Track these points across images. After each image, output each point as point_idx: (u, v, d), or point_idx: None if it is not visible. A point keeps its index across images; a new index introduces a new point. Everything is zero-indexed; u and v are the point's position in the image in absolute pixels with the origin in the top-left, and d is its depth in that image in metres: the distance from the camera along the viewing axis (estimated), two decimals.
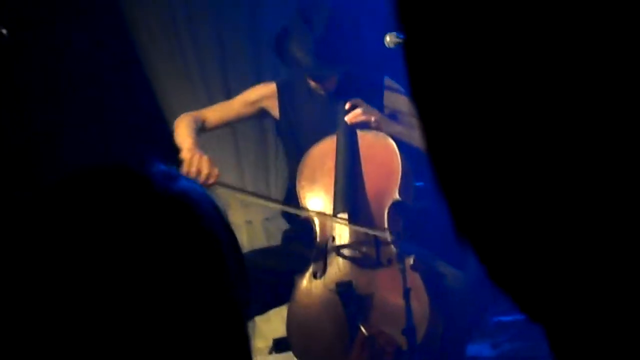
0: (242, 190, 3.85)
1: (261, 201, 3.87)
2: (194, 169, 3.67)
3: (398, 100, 3.99)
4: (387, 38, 3.81)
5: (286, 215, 4.08)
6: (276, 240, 4.64)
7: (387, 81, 4.03)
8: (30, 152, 4.71)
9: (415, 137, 3.81)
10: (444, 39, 0.54)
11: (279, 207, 3.91)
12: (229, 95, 4.95)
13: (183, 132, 3.87)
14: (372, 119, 3.85)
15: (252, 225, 4.95)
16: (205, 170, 3.68)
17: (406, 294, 3.54)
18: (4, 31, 4.06)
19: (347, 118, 3.85)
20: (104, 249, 1.08)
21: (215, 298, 1.12)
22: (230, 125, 4.31)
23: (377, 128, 3.86)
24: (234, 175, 5.00)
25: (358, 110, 3.85)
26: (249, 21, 4.99)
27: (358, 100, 3.88)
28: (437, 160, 0.57)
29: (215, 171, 3.71)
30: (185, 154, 3.74)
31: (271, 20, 4.96)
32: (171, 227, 1.11)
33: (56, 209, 1.11)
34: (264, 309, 3.94)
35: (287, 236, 4.11)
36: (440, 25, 0.54)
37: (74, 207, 1.10)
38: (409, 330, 3.52)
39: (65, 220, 1.10)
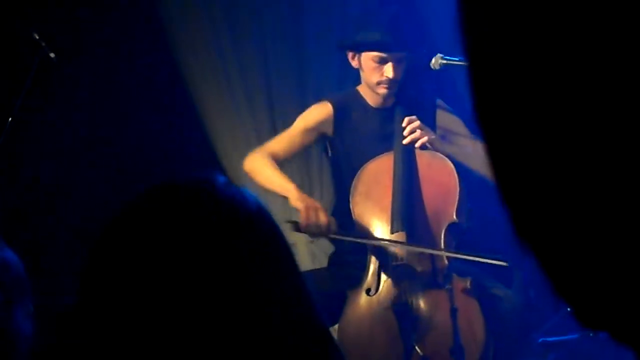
0: (357, 236, 3.81)
1: (375, 243, 3.81)
2: (312, 222, 3.66)
3: (450, 121, 3.98)
4: (433, 60, 3.81)
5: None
6: (320, 263, 4.64)
7: (439, 102, 4.02)
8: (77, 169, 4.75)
9: (468, 158, 3.81)
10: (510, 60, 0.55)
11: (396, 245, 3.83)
12: (272, 114, 4.97)
13: (277, 176, 3.85)
14: (427, 138, 3.82)
15: (296, 248, 4.94)
16: (323, 219, 3.68)
17: (453, 313, 3.54)
18: (52, 55, 4.11)
19: (405, 138, 3.83)
20: (193, 252, 1.14)
21: (292, 288, 1.24)
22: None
23: (432, 147, 3.84)
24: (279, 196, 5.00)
25: (415, 127, 3.82)
26: (293, 41, 5.00)
27: (414, 118, 3.85)
28: (501, 168, 0.58)
29: (331, 218, 3.71)
30: (298, 203, 3.73)
31: (314, 38, 4.98)
32: (265, 237, 1.20)
33: (149, 217, 1.18)
34: None
35: (334, 259, 4.09)
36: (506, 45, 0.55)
37: (161, 217, 1.17)
38: (457, 349, 3.52)
39: (155, 228, 1.17)
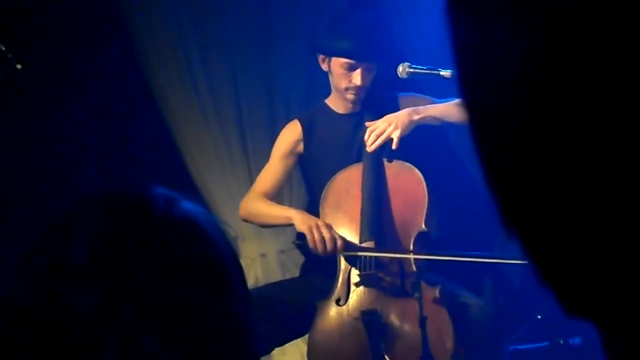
0: (363, 250, 3.80)
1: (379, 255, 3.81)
2: (318, 238, 3.69)
3: (414, 100, 4.00)
4: (400, 68, 3.82)
5: (301, 248, 4.08)
6: (291, 273, 4.65)
7: (401, 95, 4.04)
8: (41, 182, 4.72)
9: (455, 113, 3.81)
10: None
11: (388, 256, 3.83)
12: (242, 130, 4.97)
13: (274, 209, 3.92)
14: (395, 136, 3.82)
15: (266, 258, 4.94)
16: (328, 235, 3.70)
17: (422, 322, 3.55)
18: (19, 66, 4.09)
19: (368, 147, 3.85)
20: (109, 272, 1.11)
21: (222, 318, 1.15)
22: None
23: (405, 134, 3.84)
24: None
25: (378, 134, 3.83)
26: (262, 57, 5.01)
27: (375, 125, 3.86)
28: (489, 157, 0.58)
29: (336, 234, 3.72)
30: (302, 226, 3.75)
31: (283, 56, 4.99)
32: (174, 249, 1.14)
33: (67, 237, 1.14)
34: (280, 341, 3.93)
35: (305, 268, 4.10)
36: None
37: (80, 233, 1.14)
38: (426, 359, 3.52)
39: (72, 244, 1.13)
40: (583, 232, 0.54)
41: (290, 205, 4.98)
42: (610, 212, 0.53)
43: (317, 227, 3.70)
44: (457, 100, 3.69)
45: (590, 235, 0.54)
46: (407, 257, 3.72)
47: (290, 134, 4.05)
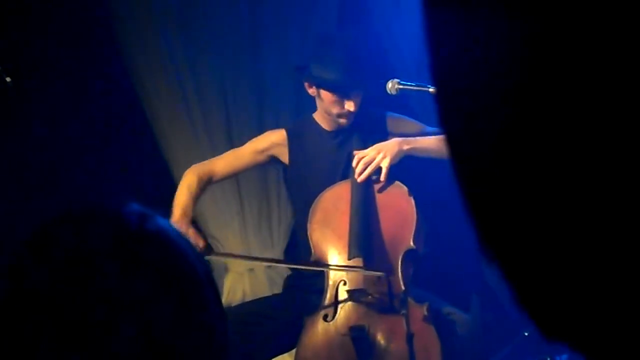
0: (240, 257, 3.84)
1: (262, 263, 3.83)
2: None
3: (401, 125, 4.01)
4: (389, 85, 3.82)
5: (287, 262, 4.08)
6: (279, 288, 4.64)
7: (389, 115, 4.04)
8: (32, 193, 4.71)
9: (430, 150, 3.83)
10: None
11: (283, 265, 3.88)
12: (230, 136, 4.97)
13: (179, 198, 3.89)
14: (383, 167, 3.82)
15: (254, 273, 4.93)
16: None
17: (409, 339, 3.55)
18: (8, 79, 4.08)
19: (357, 177, 3.84)
20: (80, 287, 1.12)
21: (194, 330, 1.16)
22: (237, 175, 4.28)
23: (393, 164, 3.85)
24: (236, 221, 5.00)
25: (367, 163, 3.83)
26: (251, 67, 5.01)
27: (363, 155, 3.86)
28: (464, 179, 0.58)
29: (201, 243, 3.73)
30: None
31: (272, 66, 5.00)
32: (148, 263, 1.15)
33: (39, 252, 1.16)
34: (266, 357, 3.92)
35: (289, 284, 4.10)
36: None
37: (53, 249, 1.16)
38: None
39: (46, 259, 1.15)
40: (559, 256, 0.54)
41: (279, 218, 4.99)
42: (586, 239, 0.53)
43: (185, 231, 3.69)
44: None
45: (566, 259, 0.54)
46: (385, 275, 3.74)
47: (273, 137, 4.05)
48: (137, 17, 4.91)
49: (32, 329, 1.11)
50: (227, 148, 4.94)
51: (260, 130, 4.87)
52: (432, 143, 3.84)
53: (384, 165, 3.82)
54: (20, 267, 1.15)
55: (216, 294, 1.23)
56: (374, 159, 3.83)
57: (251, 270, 4.90)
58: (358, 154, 3.87)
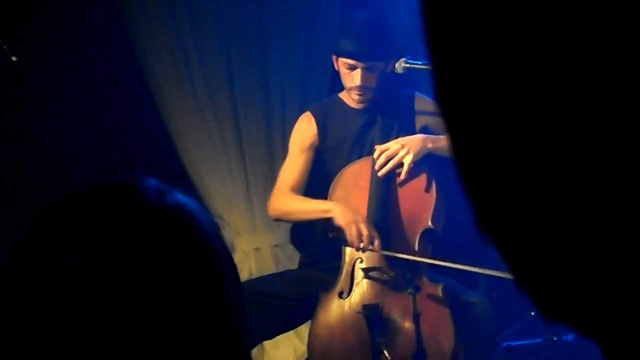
0: (397, 252, 3.81)
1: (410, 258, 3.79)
2: (355, 235, 3.67)
3: (430, 106, 3.97)
4: (396, 64, 3.83)
5: (297, 243, 4.08)
6: (284, 267, 4.65)
7: (417, 95, 4.02)
8: (37, 176, 4.72)
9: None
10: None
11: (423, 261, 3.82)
12: (238, 126, 4.97)
13: (311, 204, 3.86)
14: (405, 163, 3.80)
15: (260, 252, 4.93)
16: (366, 232, 3.67)
17: (416, 318, 3.56)
18: (14, 58, 4.08)
19: (378, 171, 3.81)
20: (102, 261, 1.12)
21: (213, 303, 1.17)
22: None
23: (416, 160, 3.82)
24: (243, 200, 5.00)
25: (389, 157, 3.81)
26: (258, 56, 5.01)
27: (385, 148, 3.84)
28: (463, 161, 0.58)
29: (374, 231, 3.69)
30: (341, 221, 3.71)
31: (279, 53, 5.00)
32: (167, 237, 1.16)
33: (59, 226, 1.16)
34: (275, 333, 3.94)
35: (303, 262, 4.10)
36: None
37: (75, 223, 1.16)
38: (420, 354, 3.53)
39: (68, 233, 1.15)
40: (558, 237, 0.54)
41: None
42: (585, 220, 0.53)
43: (357, 222, 3.68)
44: None
45: (566, 240, 0.54)
46: (408, 257, 3.72)
47: (306, 128, 4.02)
48: (146, 6, 4.91)
49: (49, 306, 1.11)
50: (235, 135, 4.96)
51: (266, 117, 4.90)
52: None
53: (407, 161, 3.79)
54: (35, 244, 1.15)
55: (234, 268, 1.24)
56: (396, 154, 3.80)
57: (257, 249, 4.90)
58: (380, 147, 3.84)
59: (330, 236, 3.78)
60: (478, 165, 0.57)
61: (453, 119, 0.58)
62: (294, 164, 3.99)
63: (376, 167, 3.82)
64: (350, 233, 3.67)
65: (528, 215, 0.55)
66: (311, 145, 4.00)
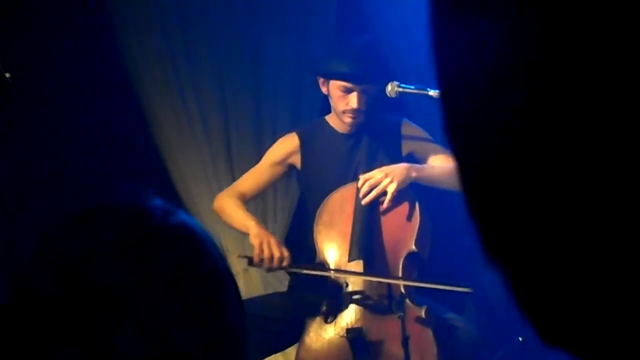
0: (313, 268, 3.84)
1: (330, 274, 3.84)
2: (266, 256, 3.71)
3: (416, 134, 4.01)
4: (389, 87, 3.84)
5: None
6: (273, 289, 4.64)
7: (405, 122, 4.03)
8: (31, 194, 4.71)
9: (441, 178, 3.81)
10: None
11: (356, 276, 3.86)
12: (228, 142, 4.98)
13: (238, 214, 3.92)
14: (389, 191, 3.80)
15: (249, 274, 4.93)
16: (277, 254, 3.71)
17: (405, 341, 3.57)
18: (7, 75, 4.07)
19: (362, 199, 3.83)
20: (108, 280, 1.12)
21: (217, 324, 1.17)
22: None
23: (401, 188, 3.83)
24: None
25: (372, 186, 3.82)
26: (250, 70, 5.03)
27: (369, 177, 3.85)
28: (470, 184, 0.59)
29: (285, 253, 3.74)
30: (254, 240, 3.77)
31: (271, 69, 5.01)
32: (173, 256, 1.16)
33: (66, 246, 1.16)
34: (261, 355, 3.94)
35: (292, 285, 4.12)
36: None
37: (82, 242, 1.16)
38: None
39: (75, 251, 1.15)
40: (561, 261, 0.54)
41: (275, 221, 5.00)
42: (590, 244, 0.53)
43: (268, 244, 3.73)
44: (454, 168, 3.72)
45: (569, 265, 0.54)
46: (387, 281, 3.74)
47: (287, 145, 4.06)
48: (137, 18, 4.92)
49: (41, 326, 1.11)
50: (225, 151, 4.97)
51: (257, 133, 4.90)
52: (440, 173, 3.83)
53: (390, 190, 3.80)
54: (43, 260, 1.15)
55: (237, 290, 1.24)
56: (380, 182, 3.81)
57: (246, 270, 4.89)
58: (364, 176, 3.85)
59: (239, 257, 3.94)
60: (483, 189, 0.57)
61: (457, 140, 0.59)
62: (258, 173, 4.07)
63: (360, 196, 3.83)
64: (258, 253, 3.72)
65: (533, 239, 0.55)
66: (283, 162, 4.04)
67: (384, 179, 3.81)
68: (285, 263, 3.73)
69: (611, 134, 0.51)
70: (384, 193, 3.81)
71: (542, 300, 0.56)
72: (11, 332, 1.13)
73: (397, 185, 3.79)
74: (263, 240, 3.74)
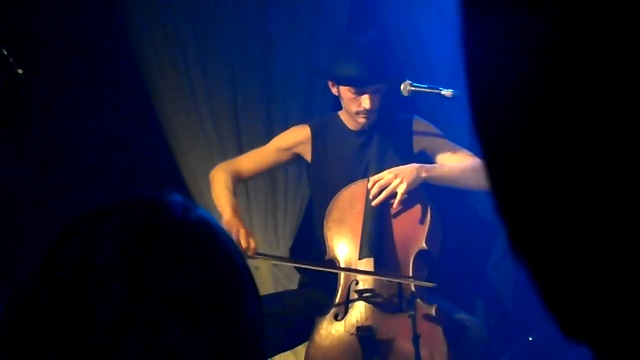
0: (280, 258, 3.84)
1: (297, 265, 3.86)
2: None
3: (427, 131, 4.00)
4: (402, 86, 3.84)
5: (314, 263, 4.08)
6: (283, 286, 4.65)
7: (416, 119, 4.02)
8: (43, 191, 4.73)
9: (452, 175, 3.82)
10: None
11: (315, 268, 3.90)
12: (239, 138, 4.99)
13: (221, 196, 3.89)
14: (399, 192, 3.79)
15: (259, 272, 4.93)
16: (243, 245, 3.71)
17: (415, 340, 3.57)
18: (20, 71, 4.09)
19: (372, 201, 3.81)
20: (130, 273, 1.13)
21: (236, 317, 1.18)
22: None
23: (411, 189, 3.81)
24: (243, 218, 5.00)
25: (382, 187, 3.80)
26: (261, 66, 5.03)
27: (379, 178, 3.83)
28: (499, 181, 0.59)
29: (252, 244, 3.74)
30: (225, 226, 3.72)
31: (282, 67, 5.01)
32: (194, 251, 1.17)
33: (87, 239, 1.16)
34: (271, 353, 3.94)
35: (302, 282, 4.12)
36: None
37: (104, 235, 1.16)
38: None
39: (99, 244, 1.16)
40: (587, 257, 0.54)
41: (285, 217, 5.00)
42: (615, 242, 0.53)
43: (237, 233, 3.72)
44: (466, 166, 3.75)
45: (594, 261, 0.54)
46: (395, 280, 3.75)
47: (297, 134, 4.05)
48: (147, 14, 4.94)
49: (77, 317, 1.12)
50: (235, 147, 4.97)
51: (268, 128, 4.90)
52: (450, 173, 3.83)
53: (400, 191, 3.78)
54: (64, 256, 1.16)
55: (254, 285, 1.25)
56: (390, 184, 3.79)
57: (256, 268, 4.90)
58: (374, 177, 3.84)
59: None
60: (511, 184, 0.58)
61: (486, 137, 0.59)
62: (262, 154, 4.06)
63: (370, 197, 3.82)
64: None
65: (560, 235, 0.55)
66: (290, 149, 4.04)
67: (394, 179, 3.80)
68: (249, 254, 3.73)
69: (635, 125, 0.51)
70: (394, 194, 3.81)
71: (566, 295, 0.57)
72: (15, 340, 1.14)
73: (407, 186, 3.78)
74: (232, 229, 3.72)
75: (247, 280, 1.22)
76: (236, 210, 3.85)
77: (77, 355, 1.10)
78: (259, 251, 3.86)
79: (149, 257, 1.14)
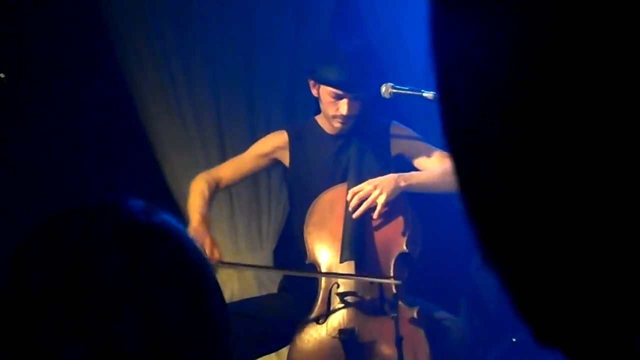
0: (243, 265, 3.86)
1: (262, 271, 3.87)
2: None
3: (405, 135, 4.01)
4: (383, 88, 3.84)
5: (280, 267, 4.08)
6: (267, 289, 4.65)
7: (394, 124, 4.03)
8: (25, 190, 4.72)
9: (429, 181, 3.83)
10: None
11: (279, 272, 3.91)
12: (222, 143, 4.99)
13: (194, 203, 3.90)
14: (379, 203, 3.79)
15: (243, 274, 4.94)
16: (207, 253, 3.69)
17: (398, 342, 3.57)
18: (2, 75, 4.08)
19: (352, 213, 3.81)
20: (94, 275, 1.15)
21: (200, 316, 1.20)
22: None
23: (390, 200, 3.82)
24: (226, 222, 5.01)
25: (362, 198, 3.80)
26: (244, 71, 5.03)
27: (358, 190, 3.83)
28: (465, 181, 0.59)
29: (216, 254, 3.73)
30: (190, 231, 3.74)
31: (264, 70, 5.01)
32: (156, 253, 1.19)
33: (51, 241, 1.19)
34: (254, 356, 3.94)
35: (284, 286, 4.12)
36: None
37: (68, 239, 1.19)
38: None
39: (61, 248, 1.18)
40: (559, 263, 0.54)
41: (269, 220, 5.00)
42: (588, 246, 0.53)
43: (201, 241, 3.70)
44: (445, 170, 3.76)
45: (567, 267, 0.54)
46: (378, 278, 3.75)
47: (275, 140, 4.07)
48: (130, 18, 4.93)
49: (36, 320, 1.13)
50: (219, 152, 4.97)
51: (252, 134, 4.90)
52: (429, 179, 3.84)
53: (380, 202, 3.78)
54: (30, 257, 1.18)
55: (217, 285, 1.27)
56: (369, 195, 3.79)
57: (240, 272, 4.90)
58: (353, 189, 3.84)
59: None
60: (481, 191, 0.58)
61: (456, 140, 0.60)
62: (241, 162, 4.08)
63: (350, 209, 3.82)
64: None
65: (531, 241, 0.55)
66: (268, 155, 4.05)
67: (373, 191, 3.80)
68: (212, 263, 3.70)
69: (609, 137, 0.51)
70: (374, 205, 3.80)
71: (537, 300, 0.57)
72: (5, 326, 1.15)
73: (387, 197, 3.78)
74: (198, 236, 3.71)
75: (210, 279, 1.24)
76: (205, 219, 3.85)
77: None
78: (226, 260, 3.86)
79: (107, 262, 1.15)
